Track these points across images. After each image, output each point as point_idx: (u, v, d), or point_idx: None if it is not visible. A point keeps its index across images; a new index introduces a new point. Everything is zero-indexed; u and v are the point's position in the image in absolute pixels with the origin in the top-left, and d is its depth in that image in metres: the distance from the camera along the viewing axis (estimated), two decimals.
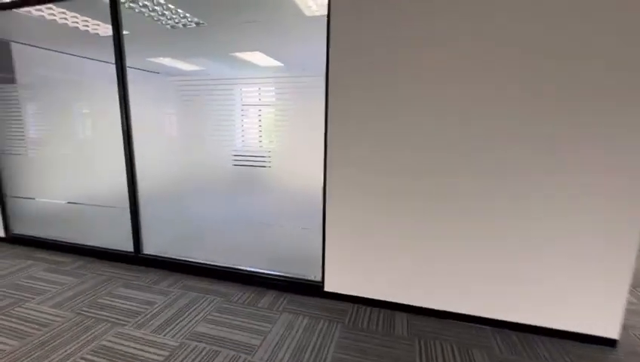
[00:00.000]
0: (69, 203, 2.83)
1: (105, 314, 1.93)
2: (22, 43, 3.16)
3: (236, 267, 2.37)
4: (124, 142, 2.46)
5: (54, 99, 2.71)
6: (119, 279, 2.37)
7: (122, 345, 1.66)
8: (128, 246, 2.65)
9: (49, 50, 3.25)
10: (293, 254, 2.25)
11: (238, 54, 2.77)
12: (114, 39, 2.34)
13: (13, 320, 1.87)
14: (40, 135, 2.83)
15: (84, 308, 1.99)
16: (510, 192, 1.71)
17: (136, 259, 2.62)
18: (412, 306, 1.99)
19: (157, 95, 2.35)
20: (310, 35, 2.04)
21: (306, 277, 2.23)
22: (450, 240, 1.85)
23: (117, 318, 1.89)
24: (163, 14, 2.50)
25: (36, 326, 1.81)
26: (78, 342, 1.68)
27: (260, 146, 2.15)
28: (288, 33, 2.40)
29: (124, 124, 2.42)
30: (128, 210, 2.57)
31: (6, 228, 3.08)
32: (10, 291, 2.19)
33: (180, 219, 2.49)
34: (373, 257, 2.00)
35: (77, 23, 2.82)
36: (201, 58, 3.15)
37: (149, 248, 2.63)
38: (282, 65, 2.41)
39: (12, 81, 3.13)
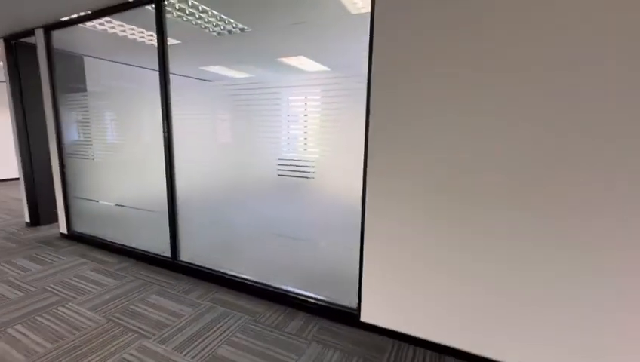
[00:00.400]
0: (117, 205, 2.96)
1: (133, 322, 1.90)
2: (90, 56, 3.45)
3: (268, 283, 2.23)
4: (165, 148, 2.48)
5: (116, 106, 2.85)
6: (154, 285, 2.37)
7: (142, 361, 1.59)
8: (168, 251, 2.66)
9: (112, 61, 3.50)
10: (331, 274, 2.03)
11: (283, 59, 2.67)
12: (158, 48, 2.38)
13: (54, 320, 1.93)
14: (103, 140, 3.00)
15: (117, 314, 1.98)
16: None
17: (172, 265, 2.62)
18: (465, 352, 1.65)
19: (205, 102, 2.32)
20: (357, 35, 1.84)
21: (340, 303, 2.00)
22: (526, 276, 1.48)
23: (143, 329, 1.84)
24: (209, 21, 2.50)
25: (71, 329, 1.84)
26: (103, 352, 1.64)
27: (305, 157, 1.99)
28: (333, 34, 2.22)
29: (165, 130, 2.44)
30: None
31: (68, 226, 3.34)
32: (58, 289, 2.30)
33: (220, 228, 2.42)
34: (419, 286, 1.70)
35: (134, 35, 2.98)
36: (247, 65, 3.12)
37: (186, 255, 2.61)
38: (328, 69, 2.24)
39: (84, 90, 3.43)
